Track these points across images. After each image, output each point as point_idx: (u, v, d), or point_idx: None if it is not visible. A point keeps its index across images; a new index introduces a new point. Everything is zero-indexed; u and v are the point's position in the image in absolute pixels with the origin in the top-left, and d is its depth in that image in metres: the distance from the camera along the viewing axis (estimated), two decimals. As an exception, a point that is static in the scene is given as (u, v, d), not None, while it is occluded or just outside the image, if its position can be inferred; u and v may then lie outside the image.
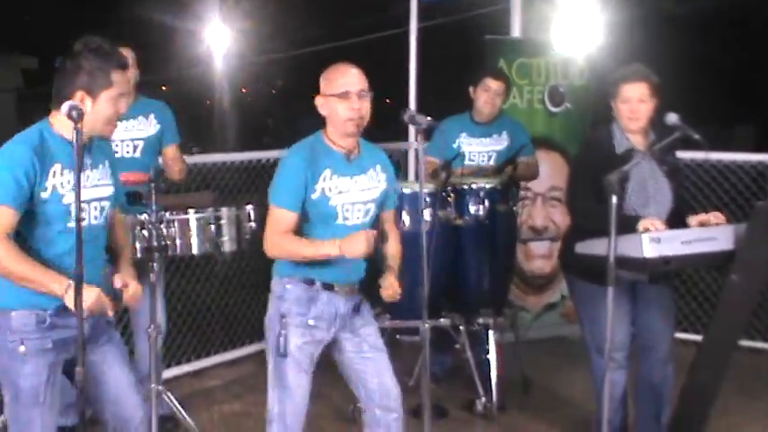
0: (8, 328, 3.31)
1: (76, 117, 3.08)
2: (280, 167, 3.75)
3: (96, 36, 3.42)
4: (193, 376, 6.06)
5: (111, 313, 3.41)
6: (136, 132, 4.91)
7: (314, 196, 3.67)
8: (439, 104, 5.79)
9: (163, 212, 4.48)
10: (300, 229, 3.70)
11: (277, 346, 3.72)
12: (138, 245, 4.46)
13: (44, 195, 3.26)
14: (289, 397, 3.74)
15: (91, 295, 3.21)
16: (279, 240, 3.67)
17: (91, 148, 3.43)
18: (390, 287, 3.87)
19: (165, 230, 4.49)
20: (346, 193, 3.72)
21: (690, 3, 17.18)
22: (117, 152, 4.81)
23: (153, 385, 4.59)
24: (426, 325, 3.78)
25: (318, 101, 3.73)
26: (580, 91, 6.90)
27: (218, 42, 19.98)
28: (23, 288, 3.26)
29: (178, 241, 4.54)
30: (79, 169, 3.07)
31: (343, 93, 3.65)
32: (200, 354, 6.25)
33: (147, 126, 4.92)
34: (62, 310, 3.28)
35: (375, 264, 3.95)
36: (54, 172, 3.28)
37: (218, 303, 6.58)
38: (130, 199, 4.47)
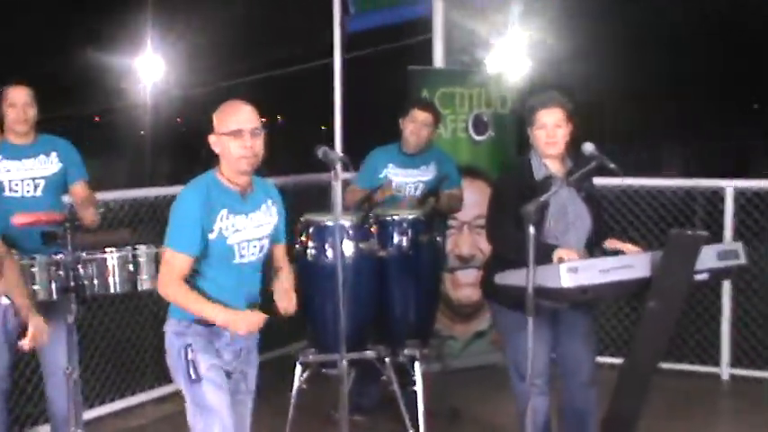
0: None
1: None
2: (175, 208, 3.70)
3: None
4: (117, 416, 5.96)
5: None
6: (37, 171, 4.83)
7: (211, 236, 3.64)
8: (371, 134, 5.80)
9: (79, 252, 4.41)
10: (198, 266, 3.68)
11: (188, 374, 3.67)
12: (53, 285, 4.39)
13: None
14: (215, 418, 3.66)
15: None
16: (173, 287, 3.65)
17: None
18: (282, 299, 3.80)
19: (82, 270, 4.42)
20: (242, 231, 3.71)
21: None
22: (17, 191, 4.77)
23: (72, 429, 4.50)
24: (345, 360, 3.75)
25: (211, 139, 3.69)
26: (503, 119, 6.97)
27: (151, 73, 19.86)
28: None
29: (96, 281, 4.48)
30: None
31: (236, 131, 3.63)
32: (125, 392, 6.14)
33: (48, 165, 4.84)
34: None
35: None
36: None
37: (143, 339, 6.46)
38: (46, 239, 4.43)
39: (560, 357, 4.69)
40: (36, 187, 4.83)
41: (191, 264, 3.65)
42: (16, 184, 4.76)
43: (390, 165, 5.76)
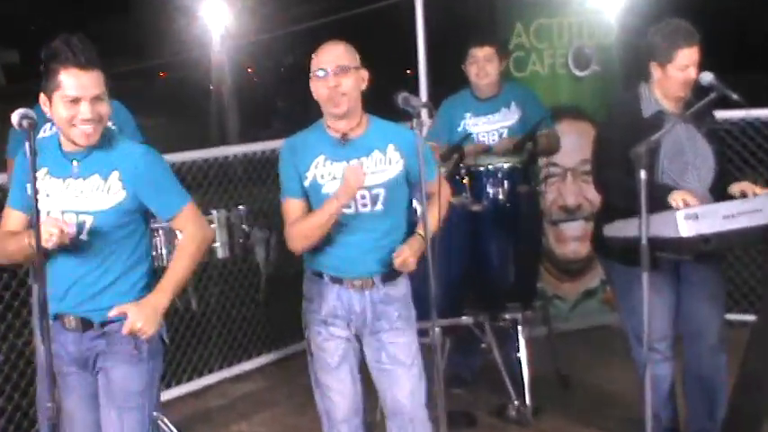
0: None
1: (26, 126, 3.11)
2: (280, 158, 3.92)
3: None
4: (194, 396, 6.06)
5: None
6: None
7: (305, 183, 3.80)
8: (460, 77, 5.72)
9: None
10: None
11: (308, 346, 3.93)
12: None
13: None
14: (324, 397, 3.92)
15: None
16: (293, 230, 3.79)
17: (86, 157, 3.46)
18: (398, 255, 3.79)
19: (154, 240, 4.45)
20: (341, 180, 3.74)
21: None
22: None
23: (148, 411, 4.59)
24: (438, 327, 3.71)
25: (311, 84, 3.82)
26: (609, 52, 6.84)
27: (217, 21, 19.99)
28: None
29: (164, 251, 4.49)
30: (34, 177, 3.13)
31: (320, 71, 3.76)
32: (202, 371, 6.25)
33: None
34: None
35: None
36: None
37: (219, 314, 6.56)
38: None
39: (684, 317, 4.62)
40: None
41: (302, 206, 3.80)
42: None
43: (467, 114, 5.66)
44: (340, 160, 3.78)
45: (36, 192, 3.13)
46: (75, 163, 3.43)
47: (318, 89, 3.77)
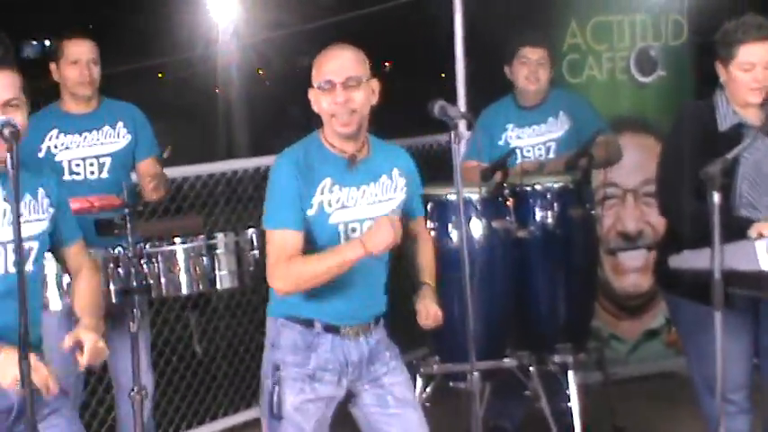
0: None
1: (8, 136, 3.14)
2: (270, 182, 3.78)
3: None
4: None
5: (53, 390, 3.31)
6: (102, 147, 4.94)
7: (310, 213, 3.69)
8: (502, 84, 5.77)
9: (142, 244, 4.49)
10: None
11: (270, 406, 3.75)
12: (112, 287, 4.47)
13: None
14: None
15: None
16: (289, 268, 3.66)
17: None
18: (427, 312, 3.86)
19: (145, 267, 4.50)
20: (351, 209, 3.73)
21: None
22: (78, 173, 4.87)
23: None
24: (477, 370, 3.74)
25: (310, 94, 3.77)
26: (678, 54, 6.88)
27: (225, 16, 20.09)
28: None
29: (163, 279, 4.54)
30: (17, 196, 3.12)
31: (326, 83, 3.69)
32: (204, 418, 6.27)
33: (115, 138, 4.93)
34: None
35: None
36: None
37: (225, 353, 6.59)
38: (100, 229, 4.51)
39: (765, 364, 4.62)
40: (102, 167, 4.93)
41: (301, 239, 3.68)
42: (77, 165, 4.87)
43: (510, 125, 5.70)
44: (349, 185, 3.75)
45: (18, 212, 3.12)
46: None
47: (322, 103, 3.71)
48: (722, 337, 4.00)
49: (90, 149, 4.90)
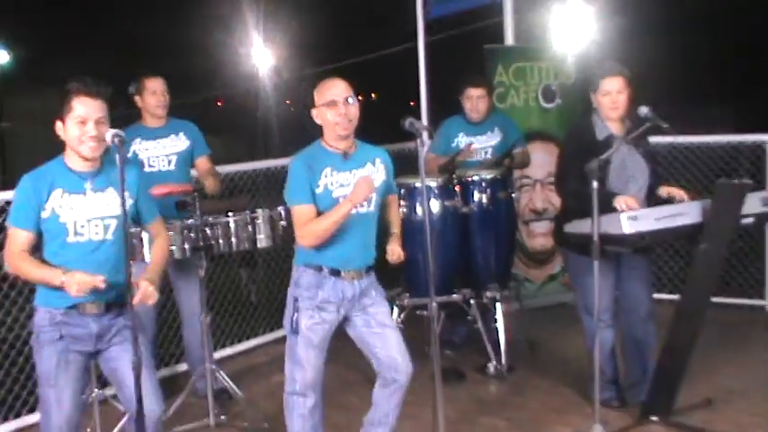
0: (35, 322, 3.43)
1: (117, 143, 3.15)
2: (288, 174, 3.76)
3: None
4: (243, 355, 6.06)
5: (100, 284, 3.26)
6: (170, 148, 4.95)
7: (318, 191, 3.67)
8: (453, 106, 5.72)
9: (207, 217, 4.51)
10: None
11: (291, 325, 3.74)
12: (186, 245, 4.48)
13: (43, 215, 3.32)
14: (300, 370, 3.74)
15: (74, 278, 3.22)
16: (309, 228, 3.65)
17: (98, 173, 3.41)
18: (392, 252, 3.87)
19: (209, 232, 4.51)
20: (347, 186, 3.71)
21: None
22: (154, 166, 4.89)
23: (207, 364, 4.65)
24: (435, 302, 3.72)
25: (314, 112, 3.74)
26: (569, 89, 6.84)
27: (263, 64, 19.99)
28: (44, 290, 3.36)
29: (221, 241, 4.55)
30: (123, 188, 3.16)
31: (331, 101, 3.67)
32: (249, 335, 6.24)
33: (178, 142, 4.96)
34: (71, 309, 3.35)
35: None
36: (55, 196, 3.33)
37: (264, 291, 6.57)
38: (179, 207, 4.55)
39: (622, 295, 4.66)
40: (170, 162, 4.95)
41: (313, 211, 3.66)
42: (153, 160, 4.90)
43: (461, 133, 5.65)
44: (343, 170, 3.72)
45: (124, 196, 3.14)
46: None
47: (328, 115, 3.67)
48: (598, 278, 4.08)
49: (162, 150, 4.93)
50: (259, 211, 4.63)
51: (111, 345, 3.46)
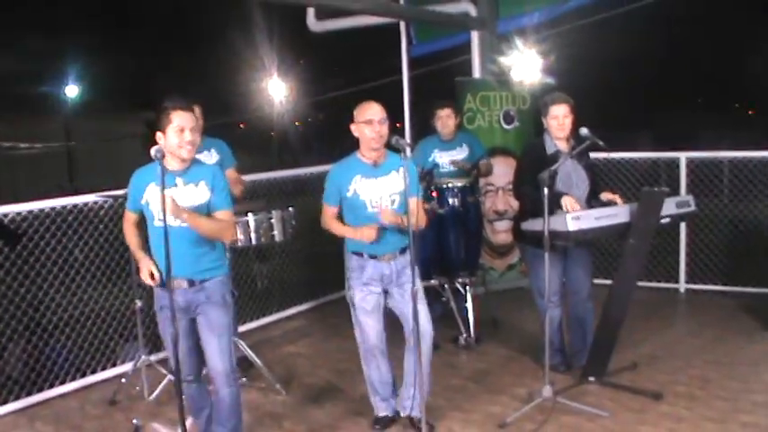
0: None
1: (159, 157, 3.13)
2: (327, 178, 3.86)
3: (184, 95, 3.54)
4: (261, 329, 6.03)
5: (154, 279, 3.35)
6: (205, 161, 4.88)
7: (348, 194, 3.76)
8: (431, 128, 5.71)
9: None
10: (346, 217, 3.83)
11: (351, 299, 3.88)
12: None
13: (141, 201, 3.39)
14: (362, 332, 3.91)
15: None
16: (325, 223, 3.84)
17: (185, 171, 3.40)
18: (389, 213, 3.76)
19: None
20: (373, 191, 3.77)
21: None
22: None
23: (231, 337, 4.60)
24: (417, 285, 3.72)
25: (352, 127, 3.78)
26: (526, 113, 6.83)
27: (277, 93, 19.96)
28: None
29: (242, 236, 4.52)
30: (162, 188, 3.13)
31: (368, 120, 3.71)
32: (266, 312, 6.21)
33: (210, 157, 4.90)
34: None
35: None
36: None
37: (277, 277, 6.55)
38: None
39: (568, 280, 4.65)
40: None
41: (334, 210, 3.78)
42: None
43: (435, 150, 5.61)
44: (371, 178, 3.77)
45: (164, 203, 3.10)
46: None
47: (366, 131, 3.71)
48: (548, 267, 4.09)
49: None
50: (274, 211, 4.60)
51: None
